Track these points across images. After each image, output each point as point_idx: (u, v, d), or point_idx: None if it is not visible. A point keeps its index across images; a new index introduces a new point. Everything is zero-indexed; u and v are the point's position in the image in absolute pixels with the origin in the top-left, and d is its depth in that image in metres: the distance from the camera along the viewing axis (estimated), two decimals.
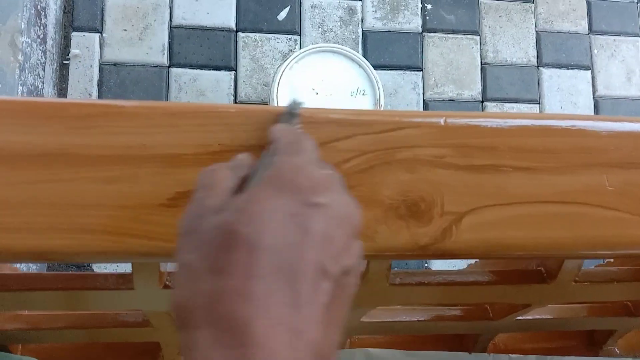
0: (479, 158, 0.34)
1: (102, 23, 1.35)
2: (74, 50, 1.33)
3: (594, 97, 1.53)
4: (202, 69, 1.36)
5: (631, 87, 1.55)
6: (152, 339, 0.52)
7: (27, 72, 1.15)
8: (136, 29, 1.35)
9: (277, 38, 1.40)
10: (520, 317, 0.51)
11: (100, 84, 1.32)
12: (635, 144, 0.35)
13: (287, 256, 0.23)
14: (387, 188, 0.33)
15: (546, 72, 1.51)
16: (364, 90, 1.19)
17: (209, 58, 1.37)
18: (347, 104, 1.18)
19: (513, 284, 0.43)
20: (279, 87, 1.15)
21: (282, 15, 1.42)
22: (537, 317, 0.53)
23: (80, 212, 0.30)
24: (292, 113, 0.32)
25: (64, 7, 1.34)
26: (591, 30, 1.57)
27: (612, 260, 0.50)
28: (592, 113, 1.51)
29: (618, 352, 0.62)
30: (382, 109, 1.18)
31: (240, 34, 1.39)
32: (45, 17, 1.25)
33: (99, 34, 1.34)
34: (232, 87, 1.36)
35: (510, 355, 0.59)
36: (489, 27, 1.51)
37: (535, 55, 1.52)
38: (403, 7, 1.48)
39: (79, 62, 1.32)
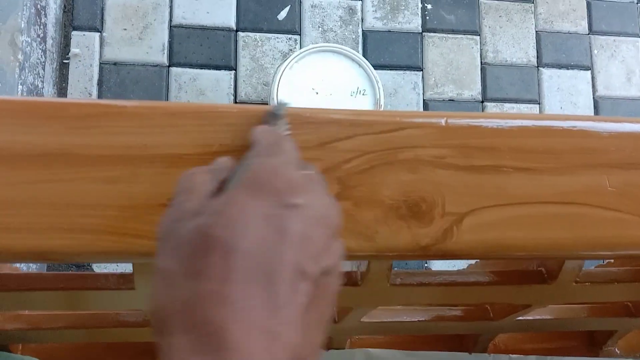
0: (479, 158, 0.34)
1: (102, 22, 1.35)
2: (73, 50, 1.32)
3: (593, 98, 1.53)
4: (202, 69, 1.36)
5: (631, 87, 1.55)
6: (152, 339, 0.52)
7: (27, 71, 1.14)
8: (136, 28, 1.35)
9: (277, 38, 1.40)
10: (520, 318, 0.51)
11: (100, 83, 1.32)
12: (636, 145, 0.35)
13: (264, 258, 0.23)
14: (387, 188, 0.33)
15: (546, 72, 1.51)
16: (364, 90, 1.19)
17: (209, 57, 1.37)
18: (347, 103, 1.18)
19: (514, 284, 0.43)
20: (279, 87, 1.15)
21: (282, 14, 1.42)
22: (538, 317, 0.53)
23: (81, 212, 0.30)
24: (275, 114, 0.32)
25: (64, 6, 1.34)
26: (591, 31, 1.57)
27: (612, 260, 0.50)
28: (592, 113, 1.51)
29: (618, 352, 0.62)
30: (382, 109, 1.18)
31: (240, 34, 1.39)
32: (45, 16, 1.25)
33: (99, 33, 1.34)
34: (232, 87, 1.36)
35: (510, 355, 0.59)
36: (489, 27, 1.51)
37: (535, 55, 1.52)
38: (403, 7, 1.48)
39: (79, 61, 1.32)
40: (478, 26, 1.51)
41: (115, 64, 1.33)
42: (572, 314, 0.54)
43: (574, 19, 1.56)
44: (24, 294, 0.40)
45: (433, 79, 1.45)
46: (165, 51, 1.35)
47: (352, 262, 0.42)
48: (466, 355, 0.58)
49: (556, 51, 1.53)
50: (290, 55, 1.19)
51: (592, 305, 0.54)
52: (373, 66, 1.20)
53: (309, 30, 1.42)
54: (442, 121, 0.34)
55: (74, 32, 1.34)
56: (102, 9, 1.35)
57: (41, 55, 1.22)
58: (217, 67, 1.36)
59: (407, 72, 1.44)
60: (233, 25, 1.40)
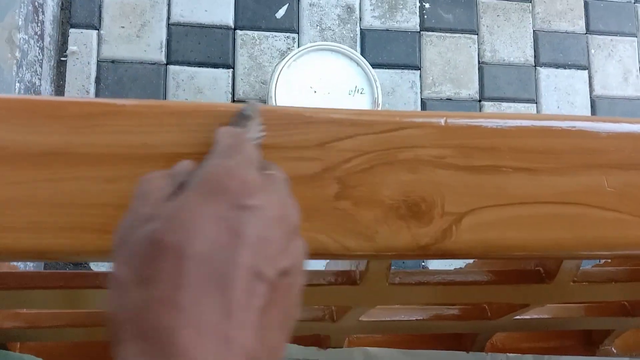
0: (479, 158, 0.34)
1: (100, 20, 1.34)
2: (71, 47, 1.32)
3: (590, 97, 1.53)
4: (200, 67, 1.35)
5: (628, 87, 1.56)
6: None
7: (24, 68, 1.14)
8: (134, 26, 1.35)
9: (275, 36, 1.40)
10: (518, 317, 0.51)
11: (97, 81, 1.32)
12: (635, 145, 0.35)
13: (217, 262, 0.23)
14: (387, 188, 0.33)
15: (543, 72, 1.52)
16: (362, 88, 1.19)
17: (207, 56, 1.36)
18: (345, 102, 1.18)
19: (512, 283, 0.43)
20: (277, 86, 1.15)
21: (281, 13, 1.42)
22: (535, 316, 0.53)
23: (81, 211, 0.30)
24: (243, 115, 0.31)
25: (62, 3, 1.34)
26: (588, 30, 1.57)
27: (609, 260, 0.51)
28: (589, 113, 1.51)
29: (615, 351, 0.62)
30: (380, 107, 1.18)
31: (239, 32, 1.39)
32: (43, 13, 1.25)
33: (97, 31, 1.34)
34: (230, 85, 1.36)
35: (507, 354, 0.59)
36: (487, 26, 1.51)
37: (533, 54, 1.52)
38: (401, 6, 1.48)
39: (77, 59, 1.32)
40: (476, 25, 1.51)
41: (113, 61, 1.33)
42: (570, 313, 0.54)
43: (571, 19, 1.57)
44: (23, 293, 0.40)
45: (431, 78, 1.45)
46: (163, 49, 1.35)
47: (351, 261, 0.42)
48: (464, 354, 0.58)
49: (553, 50, 1.53)
50: (289, 53, 1.19)
51: (589, 304, 0.54)
52: (371, 65, 1.20)
53: (307, 28, 1.42)
54: (442, 121, 0.34)
55: (71, 30, 1.33)
56: (100, 7, 1.35)
57: (39, 53, 1.22)
58: (215, 65, 1.36)
59: (405, 71, 1.44)
60: (231, 24, 1.39)
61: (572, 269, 0.42)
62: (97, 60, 1.33)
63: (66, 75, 1.31)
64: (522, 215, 0.34)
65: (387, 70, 1.43)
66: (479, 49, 1.50)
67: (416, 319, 0.52)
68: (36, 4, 1.21)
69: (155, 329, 0.22)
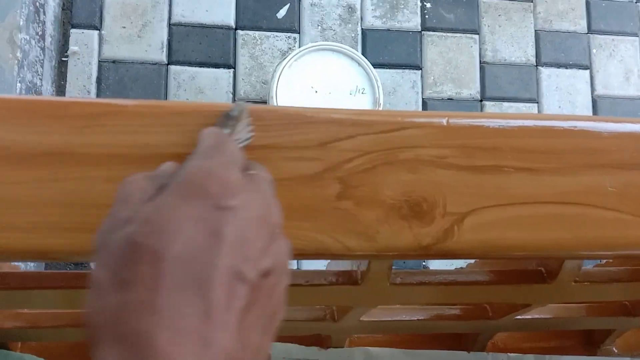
0: (481, 158, 0.34)
1: (101, 20, 1.35)
2: (72, 47, 1.32)
3: (592, 97, 1.53)
4: (201, 67, 1.36)
5: (629, 86, 1.56)
6: None
7: (25, 69, 1.14)
8: (135, 26, 1.35)
9: (277, 36, 1.40)
10: (519, 317, 0.51)
11: (99, 81, 1.32)
12: (637, 145, 0.35)
13: (196, 264, 0.23)
14: (389, 188, 0.33)
15: (545, 72, 1.51)
16: (363, 88, 1.19)
17: (208, 56, 1.37)
18: (347, 102, 1.18)
19: (513, 283, 0.43)
20: (278, 86, 1.15)
21: (282, 13, 1.42)
22: (536, 316, 0.53)
23: (83, 212, 0.30)
24: (229, 116, 0.31)
25: (63, 4, 1.34)
26: (590, 30, 1.57)
27: (610, 260, 0.51)
28: (591, 113, 1.51)
29: (616, 351, 0.62)
30: (381, 107, 1.18)
31: (240, 32, 1.39)
32: (44, 14, 1.25)
33: (98, 31, 1.34)
34: (231, 85, 1.36)
35: (508, 354, 0.59)
36: (488, 26, 1.51)
37: (534, 54, 1.52)
38: (402, 6, 1.48)
39: (78, 59, 1.32)
40: (477, 25, 1.51)
41: (114, 62, 1.33)
42: (571, 313, 0.54)
43: (572, 18, 1.57)
44: (24, 293, 0.40)
45: (432, 77, 1.45)
46: (164, 49, 1.35)
47: (352, 261, 0.42)
48: (465, 354, 0.58)
49: (555, 50, 1.53)
50: (290, 53, 1.19)
51: (590, 304, 0.54)
52: (372, 65, 1.20)
53: (308, 28, 1.42)
54: (444, 121, 0.34)
55: (72, 30, 1.33)
56: (101, 7, 1.35)
57: (40, 53, 1.22)
58: (216, 66, 1.36)
59: (406, 70, 1.44)
60: (232, 24, 1.40)
61: (574, 269, 0.42)
62: (98, 61, 1.33)
63: (67, 75, 1.31)
64: (523, 215, 0.34)
65: (388, 70, 1.43)
66: (480, 48, 1.50)
67: (417, 319, 0.52)
68: (37, 4, 1.21)
69: (133, 332, 0.21)
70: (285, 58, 1.18)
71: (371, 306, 0.48)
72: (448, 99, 1.45)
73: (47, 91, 1.26)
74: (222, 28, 1.39)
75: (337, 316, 0.50)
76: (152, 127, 0.31)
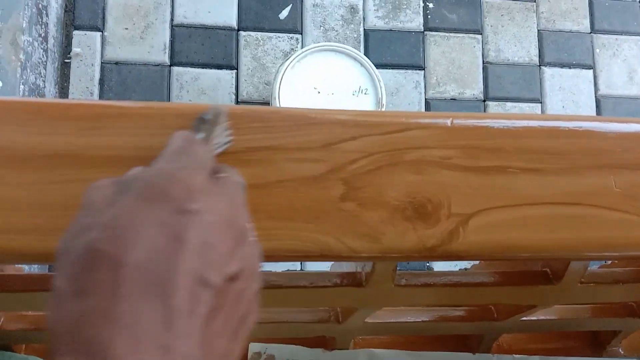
0: (485, 159, 0.34)
1: (104, 22, 1.35)
2: (75, 49, 1.32)
3: (595, 97, 1.53)
4: (203, 68, 1.36)
5: (633, 86, 1.55)
6: None
7: (28, 70, 1.14)
8: (137, 27, 1.35)
9: (279, 37, 1.40)
10: (524, 318, 0.51)
11: (101, 82, 1.32)
12: None
13: (157, 269, 0.22)
14: (393, 189, 0.33)
15: (548, 71, 1.51)
16: (366, 89, 1.19)
17: (211, 57, 1.37)
18: (349, 103, 1.18)
19: (519, 285, 0.43)
20: (281, 86, 1.15)
21: (284, 13, 1.42)
22: (542, 317, 0.53)
23: None
24: (202, 119, 0.30)
25: (66, 5, 1.34)
26: (593, 30, 1.57)
27: (616, 261, 0.50)
28: (594, 112, 1.51)
29: (622, 352, 0.62)
30: (384, 108, 1.18)
31: (242, 33, 1.39)
32: (47, 15, 1.25)
33: (101, 33, 1.34)
34: (234, 86, 1.36)
35: (514, 355, 0.59)
36: (491, 26, 1.51)
37: (537, 54, 1.52)
38: (405, 6, 1.48)
39: (80, 60, 1.32)
40: (480, 25, 1.51)
41: (116, 63, 1.33)
42: (577, 314, 0.54)
43: (576, 18, 1.56)
44: (28, 295, 0.40)
45: (435, 78, 1.45)
46: (167, 50, 1.35)
47: (356, 263, 0.42)
48: (470, 356, 0.58)
49: (558, 50, 1.53)
50: (292, 54, 1.19)
51: (596, 305, 0.54)
52: (375, 65, 1.20)
53: (310, 29, 1.42)
54: (448, 122, 0.34)
55: (75, 32, 1.34)
56: (104, 9, 1.35)
57: (43, 55, 1.22)
58: (219, 67, 1.36)
59: (409, 71, 1.44)
60: (234, 25, 1.40)
61: (580, 270, 0.41)
62: (101, 62, 1.33)
63: (70, 77, 1.32)
64: (528, 216, 0.33)
65: (391, 70, 1.43)
66: (483, 48, 1.49)
67: (422, 321, 0.52)
68: (40, 6, 1.21)
69: (90, 341, 0.21)
70: (287, 59, 1.18)
71: (376, 308, 0.48)
72: (451, 99, 1.45)
73: (50, 93, 1.26)
74: (224, 29, 1.39)
75: (342, 318, 0.49)
76: (155, 129, 0.31)
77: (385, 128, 0.34)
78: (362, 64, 1.20)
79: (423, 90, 1.44)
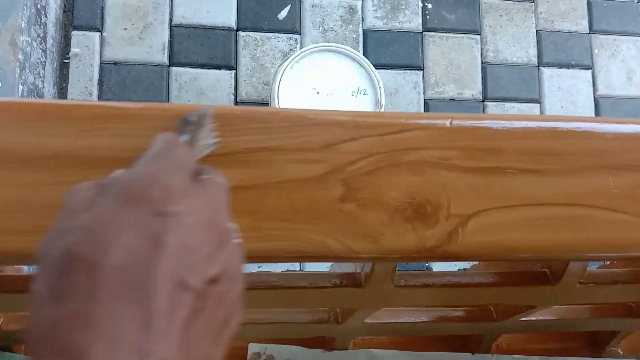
0: (485, 160, 0.34)
1: (103, 22, 1.35)
2: (74, 49, 1.32)
3: (594, 97, 1.53)
4: (202, 68, 1.36)
5: (631, 86, 1.55)
6: None
7: (27, 71, 1.14)
8: (136, 27, 1.35)
9: (278, 37, 1.40)
10: (523, 318, 0.51)
11: (100, 83, 1.32)
12: None
13: (135, 272, 0.22)
14: (393, 190, 0.33)
15: (547, 72, 1.51)
16: (365, 89, 1.19)
17: (210, 57, 1.37)
18: (348, 103, 1.18)
19: (518, 285, 0.43)
20: (280, 87, 1.15)
21: (283, 14, 1.42)
22: (541, 318, 0.53)
23: None
24: (186, 121, 0.30)
25: (64, 5, 1.34)
26: (592, 30, 1.57)
27: (615, 261, 0.50)
28: (593, 113, 1.51)
29: (621, 352, 0.62)
30: (383, 108, 1.18)
31: (241, 33, 1.39)
32: (46, 16, 1.25)
33: (99, 33, 1.34)
34: (233, 87, 1.36)
35: (513, 355, 0.59)
36: (490, 26, 1.51)
37: (536, 54, 1.52)
38: (404, 7, 1.48)
39: (79, 61, 1.32)
40: (479, 25, 1.51)
41: (115, 63, 1.33)
42: (576, 314, 0.54)
43: (574, 18, 1.56)
44: (28, 296, 0.40)
45: (434, 78, 1.45)
46: (166, 51, 1.35)
47: (355, 263, 0.42)
48: (469, 356, 0.58)
49: (557, 50, 1.53)
50: (291, 54, 1.19)
51: (595, 305, 0.54)
52: (374, 65, 1.20)
53: (309, 29, 1.42)
54: (447, 123, 0.34)
55: (74, 32, 1.34)
56: (102, 9, 1.35)
57: (41, 55, 1.22)
58: (218, 67, 1.36)
59: (408, 71, 1.44)
60: (233, 25, 1.40)
61: (579, 270, 0.41)
62: (100, 62, 1.33)
63: (69, 77, 1.32)
64: (528, 217, 0.34)
65: (389, 70, 1.43)
66: (481, 49, 1.50)
67: (421, 321, 0.52)
68: (39, 6, 1.21)
69: (67, 345, 0.21)
70: (286, 59, 1.18)
71: (375, 308, 0.48)
72: (450, 99, 1.45)
73: (49, 93, 1.26)
74: (223, 29, 1.39)
75: (341, 318, 0.49)
76: (154, 130, 0.31)
77: (384, 129, 0.34)
78: (361, 65, 1.20)
79: (422, 91, 1.44)
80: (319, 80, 1.18)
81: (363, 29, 1.45)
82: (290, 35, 1.41)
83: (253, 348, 0.56)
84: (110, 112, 0.31)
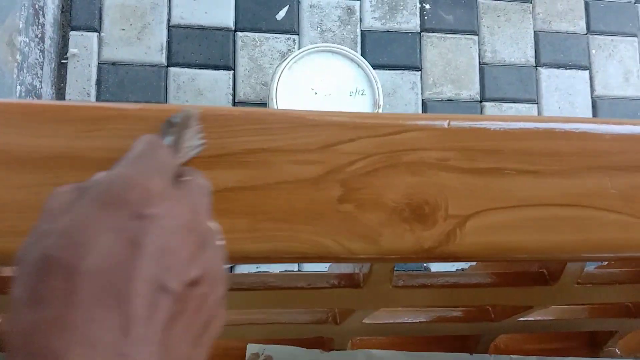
0: (483, 161, 0.34)
1: (100, 22, 1.35)
2: (72, 50, 1.32)
3: (591, 97, 1.53)
4: (200, 69, 1.36)
5: (629, 87, 1.56)
6: None
7: (25, 71, 1.14)
8: (134, 28, 1.35)
9: (276, 38, 1.40)
10: (521, 319, 0.51)
11: (98, 83, 1.32)
12: (638, 147, 0.35)
13: (113, 276, 0.22)
14: (391, 191, 0.33)
15: (544, 72, 1.52)
16: (363, 90, 1.19)
17: (208, 57, 1.37)
18: (346, 103, 1.18)
19: (516, 286, 0.43)
20: (278, 87, 1.15)
21: (281, 14, 1.42)
22: (539, 318, 0.53)
23: None
24: (170, 123, 0.30)
25: (62, 6, 1.34)
26: (589, 31, 1.57)
27: (612, 262, 0.50)
28: (590, 113, 1.51)
29: (619, 352, 0.62)
30: (381, 108, 1.18)
31: (239, 34, 1.39)
32: (44, 16, 1.25)
33: (97, 34, 1.34)
34: (231, 87, 1.36)
35: (511, 356, 0.59)
36: (488, 27, 1.51)
37: (534, 55, 1.52)
38: (402, 7, 1.48)
39: (77, 61, 1.32)
40: (476, 26, 1.51)
41: (113, 64, 1.33)
42: (573, 314, 0.54)
43: (572, 19, 1.57)
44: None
45: (432, 78, 1.45)
46: (164, 51, 1.35)
47: (354, 264, 0.42)
48: (467, 356, 0.58)
49: (554, 51, 1.54)
50: (289, 55, 1.19)
51: (593, 306, 0.54)
52: (372, 66, 1.20)
53: (307, 30, 1.42)
54: (445, 124, 0.34)
55: (72, 32, 1.33)
56: (100, 9, 1.35)
57: (39, 56, 1.22)
58: (216, 67, 1.36)
59: (406, 72, 1.44)
60: (231, 25, 1.40)
61: (576, 270, 0.42)
62: (98, 63, 1.33)
63: (67, 77, 1.32)
64: (525, 217, 0.34)
65: (387, 71, 1.43)
66: (479, 49, 1.50)
67: (420, 321, 0.52)
68: (37, 6, 1.21)
69: (44, 350, 0.21)
70: (284, 60, 1.18)
71: (373, 309, 0.48)
72: (448, 100, 1.45)
73: (47, 94, 1.26)
74: (221, 30, 1.39)
75: (340, 319, 0.49)
76: (153, 131, 0.31)
77: (383, 130, 0.34)
78: (359, 65, 1.20)
79: (420, 91, 1.44)
80: (317, 80, 1.18)
81: (361, 30, 1.45)
82: (288, 36, 1.41)
83: (251, 348, 0.56)
84: (109, 113, 0.31)
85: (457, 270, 0.51)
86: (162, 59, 1.35)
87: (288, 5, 1.42)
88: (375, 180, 0.33)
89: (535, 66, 1.52)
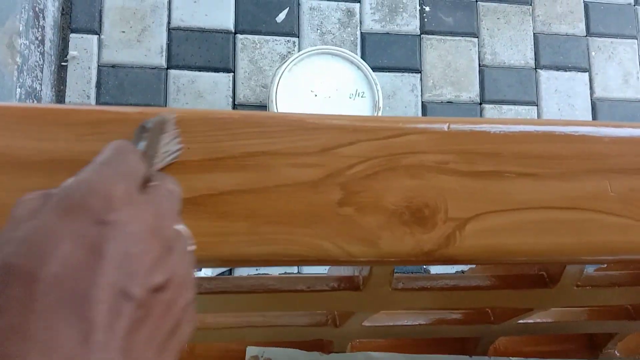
0: (482, 164, 0.34)
1: (100, 25, 1.35)
2: (72, 52, 1.32)
3: (591, 99, 1.53)
4: (200, 71, 1.36)
5: (628, 89, 1.56)
6: None
7: (25, 74, 1.14)
8: (134, 30, 1.35)
9: (276, 40, 1.40)
10: (521, 321, 0.51)
11: (98, 85, 1.32)
12: (638, 150, 0.36)
13: (74, 283, 0.22)
14: (391, 194, 0.33)
15: (544, 74, 1.52)
16: (363, 92, 1.19)
17: (208, 60, 1.37)
18: (346, 106, 1.18)
19: (515, 288, 0.43)
20: (278, 89, 1.16)
21: (281, 17, 1.42)
22: (538, 320, 0.53)
23: None
24: (143, 128, 0.30)
25: (62, 8, 1.34)
26: (589, 33, 1.57)
27: (612, 264, 0.51)
28: (590, 115, 1.52)
29: (618, 355, 0.62)
30: (380, 111, 1.18)
31: (239, 36, 1.40)
32: (44, 18, 1.25)
33: (97, 36, 1.34)
34: (231, 89, 1.36)
35: (510, 358, 0.59)
36: (487, 29, 1.52)
37: (533, 57, 1.53)
38: (401, 9, 1.48)
39: (77, 63, 1.32)
40: (476, 28, 1.51)
41: (113, 66, 1.33)
42: (573, 317, 0.54)
43: (571, 21, 1.57)
44: None
45: (431, 81, 1.45)
46: (164, 53, 1.35)
47: (354, 267, 0.42)
48: (467, 358, 0.58)
49: (554, 53, 1.54)
50: (289, 57, 1.19)
51: (592, 308, 0.54)
52: (372, 68, 1.20)
53: (307, 32, 1.42)
54: (445, 127, 0.34)
55: (72, 35, 1.34)
56: (101, 12, 1.35)
57: (39, 58, 1.22)
58: (216, 70, 1.36)
59: (406, 74, 1.44)
60: (231, 28, 1.40)
61: (576, 273, 0.42)
62: (98, 65, 1.33)
63: (67, 80, 1.32)
64: (525, 220, 0.34)
65: (387, 73, 1.43)
66: (479, 51, 1.50)
67: (419, 324, 0.52)
68: (37, 9, 1.21)
69: (3, 358, 0.20)
70: (284, 62, 1.18)
71: (373, 311, 0.48)
72: (447, 102, 1.45)
73: (47, 96, 1.26)
74: (221, 32, 1.39)
75: (339, 321, 0.49)
76: None
77: (382, 133, 0.34)
78: (358, 67, 1.20)
79: (419, 93, 1.44)
80: (317, 83, 1.19)
81: (361, 32, 1.45)
82: (288, 38, 1.41)
83: (251, 351, 0.56)
84: (109, 117, 0.31)
85: (456, 272, 0.51)
86: (162, 61, 1.35)
87: (288, 8, 1.42)
88: (374, 183, 0.33)
89: (535, 68, 1.52)
